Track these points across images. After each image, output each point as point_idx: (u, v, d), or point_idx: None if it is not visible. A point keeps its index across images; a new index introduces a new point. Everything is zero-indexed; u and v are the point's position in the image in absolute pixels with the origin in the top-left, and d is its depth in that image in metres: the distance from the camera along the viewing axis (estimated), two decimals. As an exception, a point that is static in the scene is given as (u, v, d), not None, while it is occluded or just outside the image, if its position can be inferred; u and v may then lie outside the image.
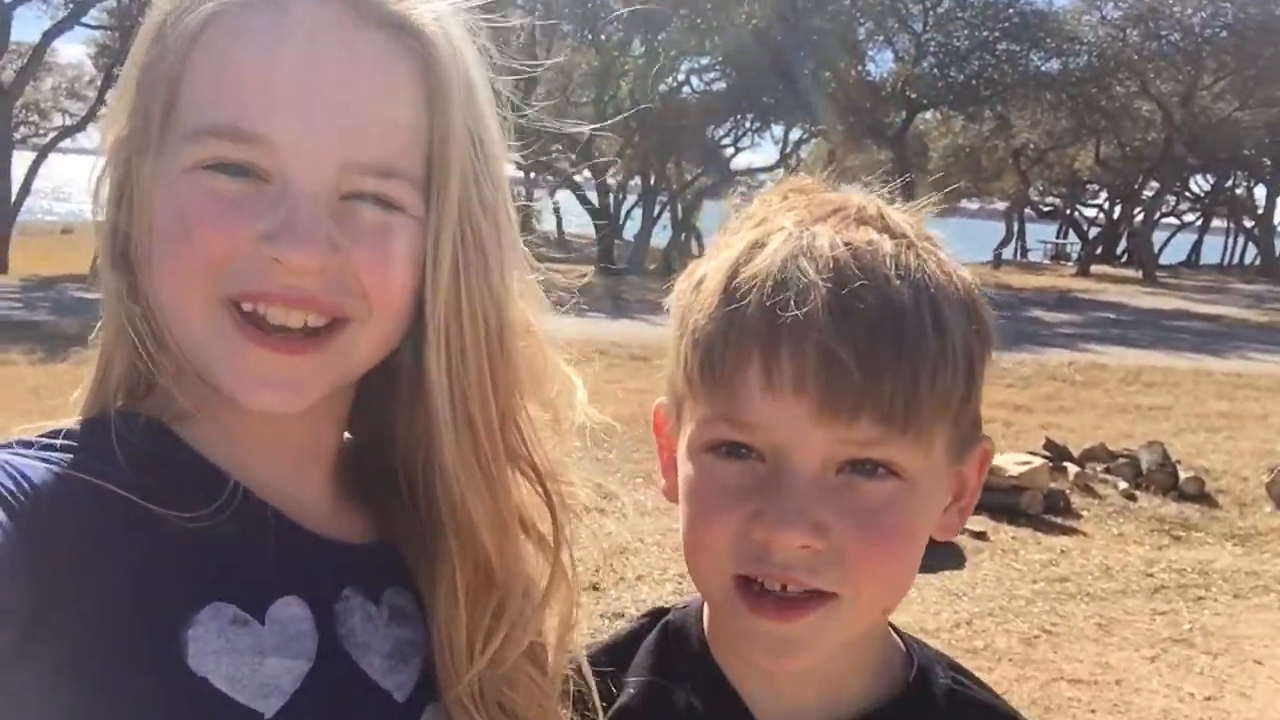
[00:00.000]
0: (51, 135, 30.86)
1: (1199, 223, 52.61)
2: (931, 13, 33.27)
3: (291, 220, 0.81)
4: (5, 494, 0.75)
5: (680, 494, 0.94)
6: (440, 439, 0.91)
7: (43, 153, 28.46)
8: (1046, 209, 53.66)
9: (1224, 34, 33.95)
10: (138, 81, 0.85)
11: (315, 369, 0.85)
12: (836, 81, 30.00)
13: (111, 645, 0.77)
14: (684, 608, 1.08)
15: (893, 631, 1.04)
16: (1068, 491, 7.77)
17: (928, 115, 38.24)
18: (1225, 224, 50.84)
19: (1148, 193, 40.52)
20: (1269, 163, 42.15)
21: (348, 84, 0.83)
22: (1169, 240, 49.00)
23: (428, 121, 0.87)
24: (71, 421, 0.87)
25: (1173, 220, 52.08)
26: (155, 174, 0.83)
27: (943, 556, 6.19)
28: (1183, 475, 8.21)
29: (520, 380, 0.95)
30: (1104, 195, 47.11)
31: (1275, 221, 45.48)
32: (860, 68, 32.57)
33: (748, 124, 34.40)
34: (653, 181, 32.22)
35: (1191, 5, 33.64)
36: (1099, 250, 43.11)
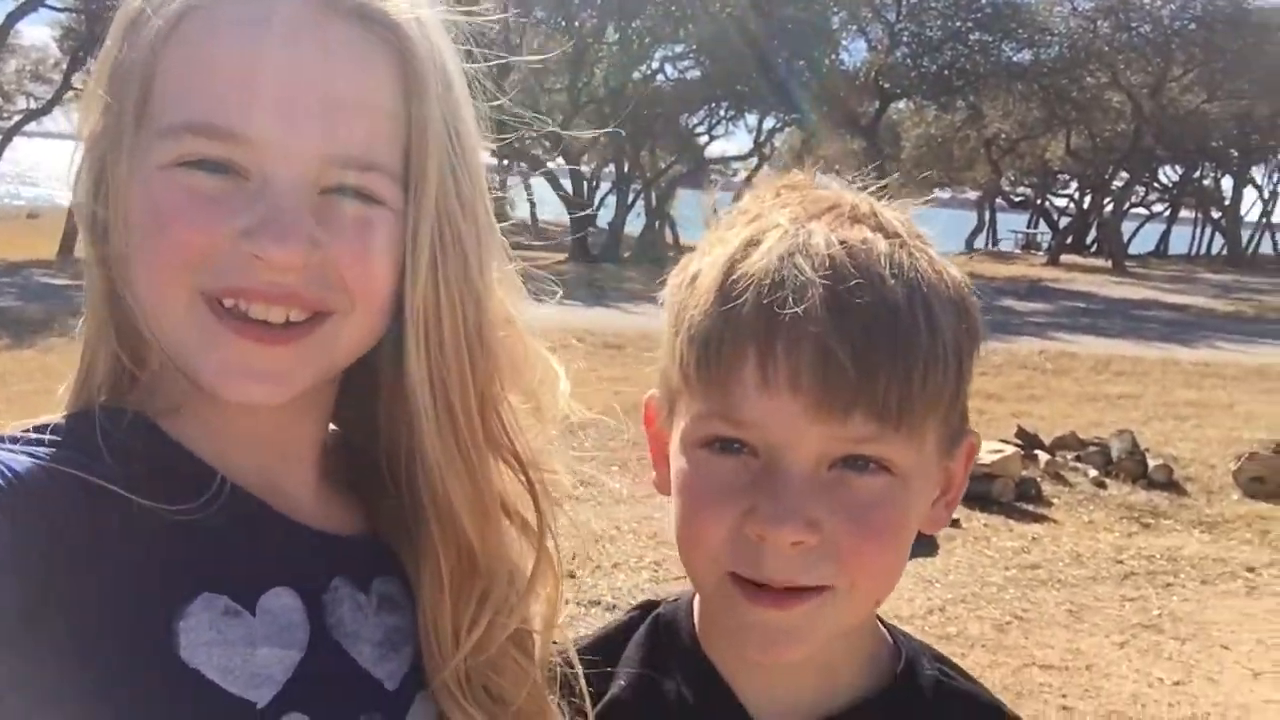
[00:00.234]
0: (16, 119, 30.33)
1: (1167, 213, 53.28)
2: (905, 3, 33.43)
3: (272, 216, 0.80)
4: None
5: (673, 488, 0.94)
6: (421, 427, 0.90)
7: (7, 136, 27.99)
8: (1017, 199, 54.13)
9: (1193, 26, 34.37)
10: (110, 76, 0.84)
11: (297, 360, 0.84)
12: (810, 70, 30.04)
13: (103, 638, 0.76)
14: (674, 601, 1.09)
15: (880, 624, 1.04)
16: (1039, 479, 7.85)
17: (901, 105, 38.49)
18: (1193, 214, 51.49)
19: (1117, 183, 40.94)
20: (1236, 154, 42.80)
21: (325, 78, 0.82)
22: (1138, 230, 49.48)
23: (405, 114, 0.86)
24: (56, 416, 0.86)
25: (1141, 210, 52.76)
26: (131, 170, 0.82)
27: (915, 544, 6.18)
28: (1151, 463, 8.31)
29: (500, 369, 0.95)
30: (1074, 185, 47.52)
31: (1242, 212, 46.19)
32: (834, 57, 32.64)
33: (722, 112, 34.38)
34: (626, 169, 32.18)
35: (1161, -3, 34.05)
36: (1069, 240, 43.52)
